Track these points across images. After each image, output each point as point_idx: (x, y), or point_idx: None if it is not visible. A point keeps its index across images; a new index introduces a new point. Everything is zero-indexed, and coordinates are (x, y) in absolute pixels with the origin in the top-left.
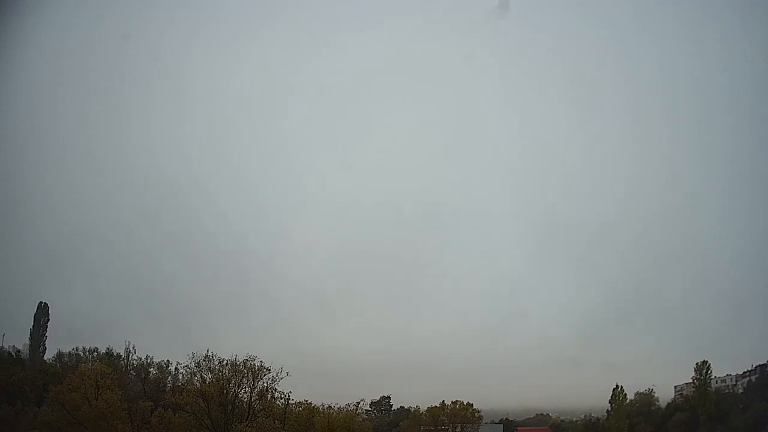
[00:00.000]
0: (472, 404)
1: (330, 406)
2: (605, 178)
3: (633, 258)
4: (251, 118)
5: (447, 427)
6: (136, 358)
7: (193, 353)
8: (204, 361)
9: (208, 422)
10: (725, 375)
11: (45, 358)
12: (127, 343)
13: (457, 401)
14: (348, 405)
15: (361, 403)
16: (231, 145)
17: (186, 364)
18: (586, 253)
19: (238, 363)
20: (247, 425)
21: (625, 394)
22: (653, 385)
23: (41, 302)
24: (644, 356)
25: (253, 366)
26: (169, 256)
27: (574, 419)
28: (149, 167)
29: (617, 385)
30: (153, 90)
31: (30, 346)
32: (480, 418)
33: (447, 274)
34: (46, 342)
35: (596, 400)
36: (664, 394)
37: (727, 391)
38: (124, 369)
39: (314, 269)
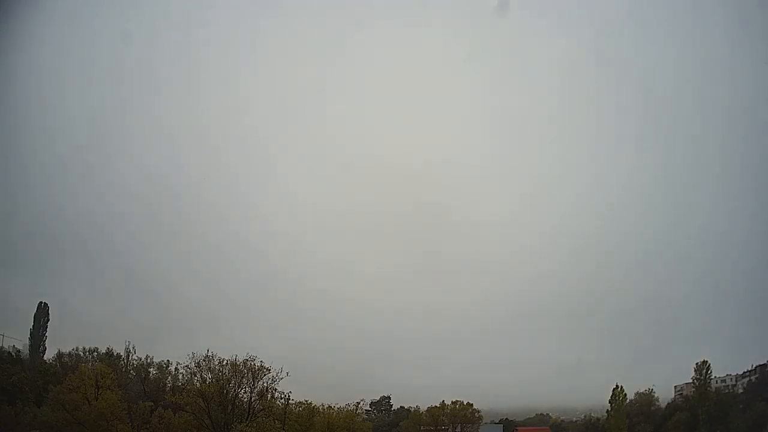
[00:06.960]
0: (472, 404)
1: (330, 406)
2: (610, 177)
3: (633, 258)
4: (256, 116)
5: (447, 427)
6: (136, 358)
7: (193, 353)
8: (204, 361)
9: (208, 422)
10: (725, 375)
11: (45, 358)
12: (127, 343)
13: (457, 401)
14: (348, 405)
15: (361, 403)
16: (230, 144)
17: (186, 364)
18: (585, 252)
19: (238, 363)
20: (247, 425)
21: (625, 394)
22: (653, 385)
23: (41, 302)
24: (644, 356)
25: (253, 366)
26: (169, 256)
27: (574, 419)
28: (150, 166)
29: (617, 385)
30: (156, 88)
31: (30, 346)
32: (480, 418)
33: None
34: (46, 342)
35: (596, 400)
36: (664, 394)
37: (727, 391)
38: (124, 369)
39: (316, 267)
